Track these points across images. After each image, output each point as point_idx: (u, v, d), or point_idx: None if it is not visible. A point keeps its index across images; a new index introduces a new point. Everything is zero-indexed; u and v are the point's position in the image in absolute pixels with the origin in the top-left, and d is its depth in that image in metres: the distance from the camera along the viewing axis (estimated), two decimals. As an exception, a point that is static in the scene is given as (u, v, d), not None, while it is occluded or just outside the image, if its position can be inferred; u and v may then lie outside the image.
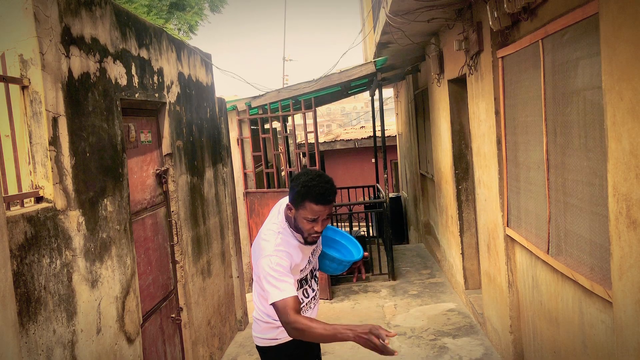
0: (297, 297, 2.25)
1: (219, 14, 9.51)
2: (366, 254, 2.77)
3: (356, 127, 21.29)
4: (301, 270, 2.51)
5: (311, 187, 2.29)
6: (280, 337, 2.57)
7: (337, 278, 7.08)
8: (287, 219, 2.46)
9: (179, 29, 8.44)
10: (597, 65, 2.44)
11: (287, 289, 2.23)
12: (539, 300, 3.57)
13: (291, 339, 2.44)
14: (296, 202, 2.34)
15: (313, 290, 2.64)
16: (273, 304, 2.24)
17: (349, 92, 10.02)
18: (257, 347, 2.69)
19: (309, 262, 2.58)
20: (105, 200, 2.96)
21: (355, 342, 2.01)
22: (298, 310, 2.20)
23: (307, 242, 2.45)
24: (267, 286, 2.28)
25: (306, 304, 2.60)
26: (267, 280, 2.28)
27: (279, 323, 2.40)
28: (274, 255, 2.31)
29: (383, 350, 1.95)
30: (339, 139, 16.28)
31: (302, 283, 2.56)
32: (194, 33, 8.66)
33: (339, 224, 9.72)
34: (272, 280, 2.26)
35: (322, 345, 2.97)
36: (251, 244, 6.78)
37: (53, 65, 2.55)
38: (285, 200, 2.53)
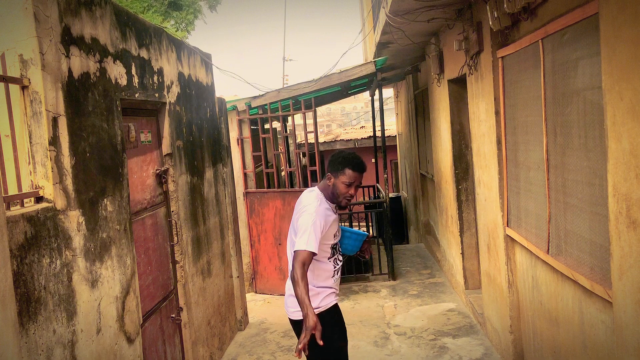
0: (312, 255, 2.69)
1: (219, 14, 9.54)
2: (370, 234, 3.25)
3: (356, 127, 21.30)
4: (334, 235, 2.97)
5: (351, 158, 2.93)
6: (322, 305, 2.91)
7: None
8: (324, 190, 2.98)
9: (177, 28, 8.45)
10: (597, 65, 2.44)
11: (312, 245, 2.69)
12: (539, 300, 3.57)
13: (331, 305, 2.95)
14: (337, 170, 2.92)
15: (340, 261, 3.08)
16: (296, 250, 2.69)
17: (349, 92, 10.02)
18: (298, 322, 2.90)
19: (337, 231, 3.05)
20: (105, 200, 2.96)
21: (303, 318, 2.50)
22: (307, 265, 2.65)
23: (340, 207, 3.00)
24: (299, 233, 2.74)
25: (335, 271, 3.02)
26: (301, 229, 2.75)
27: (317, 289, 2.91)
28: (314, 214, 2.80)
29: (300, 342, 2.40)
30: (339, 139, 16.28)
31: (333, 251, 3.01)
32: (189, 33, 8.68)
33: (339, 224, 9.69)
34: (306, 233, 2.72)
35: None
36: (251, 244, 6.82)
37: (53, 65, 2.55)
38: (307, 193, 3.02)
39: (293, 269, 2.65)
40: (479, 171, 4.79)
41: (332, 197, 2.97)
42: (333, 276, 3.00)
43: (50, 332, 2.37)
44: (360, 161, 2.95)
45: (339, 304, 3.07)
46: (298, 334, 2.95)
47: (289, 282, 3.00)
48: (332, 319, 2.95)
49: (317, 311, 2.83)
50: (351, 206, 7.54)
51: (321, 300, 2.92)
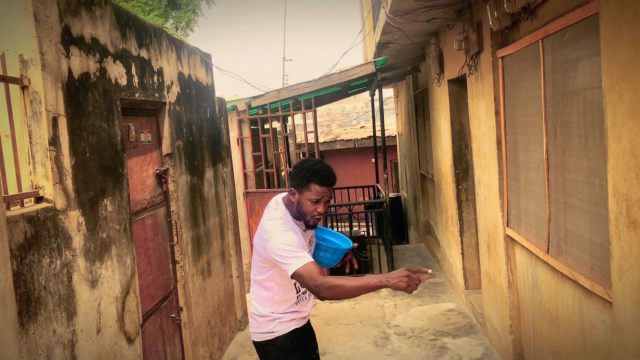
0: (314, 263, 2.31)
1: (218, 14, 9.57)
2: (355, 244, 2.85)
3: (356, 127, 21.30)
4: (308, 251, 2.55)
5: (316, 170, 2.46)
6: (277, 330, 2.62)
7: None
8: (288, 206, 2.57)
9: (177, 28, 8.46)
10: (597, 65, 2.44)
11: (305, 257, 2.31)
12: (539, 300, 3.57)
13: (288, 331, 2.60)
14: (301, 185, 2.48)
15: None
16: (296, 273, 2.29)
17: (349, 92, 10.02)
18: (255, 343, 2.72)
19: (308, 245, 2.65)
20: (105, 200, 2.96)
21: (391, 288, 2.12)
22: (322, 273, 2.27)
23: (308, 227, 2.56)
24: (284, 261, 2.34)
25: (302, 294, 2.66)
26: (282, 256, 2.35)
27: (275, 315, 2.58)
28: (284, 235, 2.41)
29: (417, 283, 2.10)
30: (339, 139, 16.28)
31: None
32: (191, 30, 8.68)
33: (339, 224, 9.72)
34: (289, 254, 2.34)
35: (321, 344, 2.98)
36: (251, 244, 6.81)
37: (53, 65, 2.55)
38: (278, 197, 2.65)
39: (318, 287, 2.22)
40: (479, 171, 4.79)
41: (298, 215, 2.55)
42: (297, 302, 2.65)
43: (50, 332, 2.37)
44: (329, 173, 2.48)
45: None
46: (260, 355, 2.73)
47: (253, 304, 2.73)
48: (289, 344, 2.63)
49: (271, 336, 2.60)
50: (351, 206, 7.55)
51: (275, 325, 2.60)
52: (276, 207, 2.58)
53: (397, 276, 2.10)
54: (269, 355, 2.68)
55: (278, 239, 2.39)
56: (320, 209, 2.50)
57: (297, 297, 2.66)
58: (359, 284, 2.19)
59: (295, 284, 2.62)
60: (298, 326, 2.68)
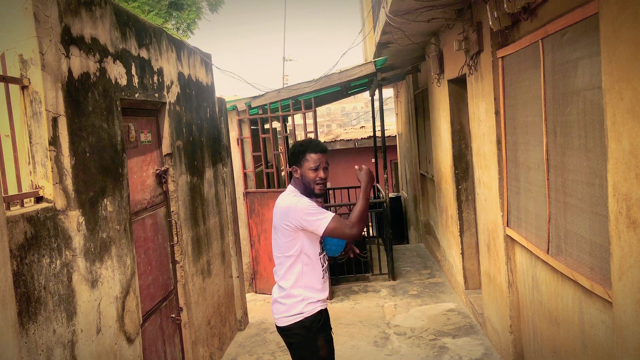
0: (339, 216, 2.71)
1: (218, 14, 9.57)
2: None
3: (356, 127, 21.30)
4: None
5: (307, 143, 2.89)
6: (306, 311, 2.80)
7: (336, 278, 7.08)
8: (297, 187, 2.89)
9: (178, 28, 8.45)
10: (597, 65, 2.44)
11: (328, 213, 2.70)
12: (539, 300, 3.57)
13: (316, 312, 2.82)
14: (299, 159, 2.85)
15: (326, 262, 2.96)
16: (328, 228, 2.66)
17: (349, 92, 10.02)
18: (281, 329, 2.85)
19: None
20: (105, 200, 2.96)
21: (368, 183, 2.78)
22: (341, 220, 2.69)
23: (316, 195, 2.87)
24: (312, 221, 2.68)
25: (323, 270, 2.90)
26: (309, 219, 2.68)
27: (304, 295, 2.80)
28: (302, 200, 2.76)
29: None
30: (339, 139, 16.28)
31: (321, 247, 2.89)
32: (192, 32, 8.67)
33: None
34: (314, 215, 2.69)
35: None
36: (251, 244, 6.81)
37: (53, 65, 2.54)
38: (283, 195, 2.90)
39: (352, 227, 2.66)
40: (479, 171, 4.79)
41: (305, 189, 2.86)
42: (322, 277, 2.89)
43: (50, 332, 2.37)
44: (318, 142, 2.90)
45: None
46: (285, 342, 2.91)
47: (275, 288, 2.95)
48: (317, 324, 2.83)
49: (300, 317, 2.78)
50: (351, 206, 7.54)
51: (304, 306, 2.80)
52: (287, 192, 2.88)
53: (365, 178, 2.76)
54: (296, 338, 2.82)
55: (299, 206, 2.71)
56: (321, 174, 2.83)
57: (322, 271, 2.88)
58: (362, 204, 2.72)
59: (320, 256, 2.86)
60: (322, 307, 2.88)
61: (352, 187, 10.59)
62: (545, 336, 3.50)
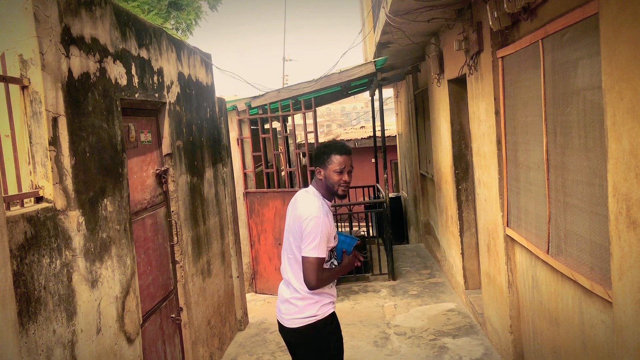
0: (323, 260, 2.72)
1: (219, 14, 9.58)
2: (359, 241, 3.14)
3: (356, 127, 21.31)
4: (334, 237, 2.86)
5: (332, 144, 2.85)
6: (319, 313, 2.80)
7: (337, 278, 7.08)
8: (318, 188, 2.86)
9: (177, 28, 8.45)
10: (597, 65, 2.44)
11: (324, 251, 2.70)
12: (539, 300, 3.57)
13: (329, 314, 2.84)
14: (324, 161, 2.81)
15: (335, 266, 2.96)
16: (305, 258, 2.68)
17: (349, 92, 10.02)
18: (291, 330, 2.82)
19: (335, 233, 2.95)
20: (105, 200, 2.96)
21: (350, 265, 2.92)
22: (320, 270, 2.72)
23: (339, 197, 2.87)
24: (305, 243, 2.69)
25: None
26: (307, 238, 2.68)
27: (317, 297, 2.80)
28: (321, 217, 2.71)
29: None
30: (339, 139, 16.27)
31: (330, 254, 2.89)
32: (191, 33, 8.67)
33: (339, 224, 9.72)
34: (316, 239, 2.68)
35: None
36: (251, 244, 6.81)
37: (53, 65, 2.54)
38: (302, 193, 2.89)
39: (308, 278, 2.68)
40: (479, 171, 4.79)
41: (328, 191, 2.84)
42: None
43: (50, 332, 2.37)
44: (344, 143, 2.87)
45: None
46: (289, 343, 2.91)
47: (282, 287, 2.93)
48: (329, 327, 2.86)
49: (314, 320, 2.79)
50: (351, 206, 7.55)
51: (319, 309, 2.82)
52: (309, 193, 2.85)
53: (348, 261, 2.88)
54: (308, 340, 2.81)
55: (315, 220, 2.69)
56: (346, 177, 2.81)
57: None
58: (334, 274, 2.80)
59: (327, 262, 2.86)
60: (334, 310, 2.91)
61: (351, 187, 10.58)
62: (545, 336, 3.50)
